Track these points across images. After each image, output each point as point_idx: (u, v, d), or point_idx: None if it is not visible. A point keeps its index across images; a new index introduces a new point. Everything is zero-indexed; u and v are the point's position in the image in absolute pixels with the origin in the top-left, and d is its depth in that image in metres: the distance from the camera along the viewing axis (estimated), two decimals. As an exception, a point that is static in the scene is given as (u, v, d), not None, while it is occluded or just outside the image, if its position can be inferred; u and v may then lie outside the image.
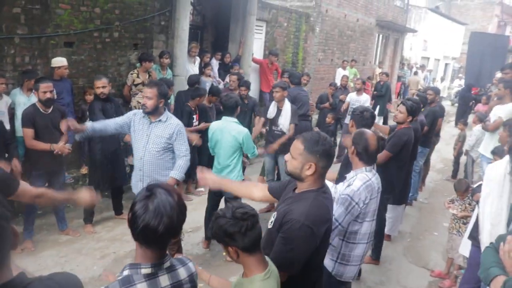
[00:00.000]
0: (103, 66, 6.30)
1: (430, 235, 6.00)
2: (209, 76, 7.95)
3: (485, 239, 3.00)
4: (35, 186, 4.59)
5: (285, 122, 5.83)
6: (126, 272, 1.57)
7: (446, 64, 28.15)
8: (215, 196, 4.80)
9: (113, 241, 5.02)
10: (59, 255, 4.62)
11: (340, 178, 3.60)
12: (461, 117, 11.52)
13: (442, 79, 24.74)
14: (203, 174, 2.89)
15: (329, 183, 3.02)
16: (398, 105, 5.15)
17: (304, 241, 2.10)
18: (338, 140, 9.39)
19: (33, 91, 4.62)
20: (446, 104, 14.82)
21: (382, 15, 16.58)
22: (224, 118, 4.59)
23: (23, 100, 5.14)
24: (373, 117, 4.24)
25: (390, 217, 5.25)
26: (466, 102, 13.81)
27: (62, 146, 4.54)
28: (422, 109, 6.32)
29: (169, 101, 6.56)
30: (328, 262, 2.93)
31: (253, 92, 8.66)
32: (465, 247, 3.81)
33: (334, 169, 4.02)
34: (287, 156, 2.30)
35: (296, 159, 2.23)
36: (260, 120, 5.97)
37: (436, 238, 5.89)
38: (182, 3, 7.22)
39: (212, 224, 1.92)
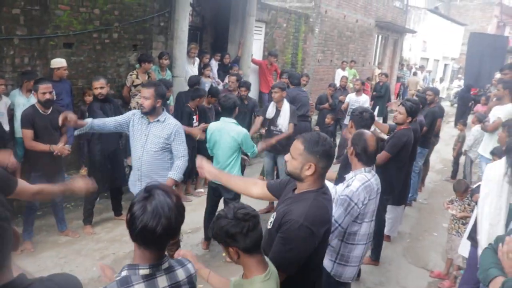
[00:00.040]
0: (103, 67, 6.30)
1: (429, 236, 6.00)
2: (208, 77, 7.95)
3: (483, 240, 3.00)
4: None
5: (284, 122, 5.83)
6: (124, 273, 1.58)
7: (446, 65, 28.18)
8: (214, 197, 4.80)
9: (113, 242, 5.02)
10: (59, 256, 4.61)
11: (339, 178, 3.59)
12: (461, 118, 11.53)
13: (441, 80, 24.76)
14: (201, 163, 2.84)
15: (329, 184, 3.03)
16: (398, 106, 5.15)
17: (303, 241, 2.10)
18: (337, 141, 9.39)
19: (32, 92, 4.62)
20: (445, 104, 14.82)
21: (382, 16, 16.60)
22: (223, 119, 4.59)
23: (23, 101, 5.15)
24: (372, 117, 4.24)
25: (389, 218, 5.25)
26: (466, 103, 13.83)
27: (61, 147, 4.54)
28: (422, 110, 6.32)
29: (168, 102, 6.57)
30: (327, 263, 2.93)
31: (253, 93, 8.66)
32: (464, 248, 3.81)
33: (334, 169, 4.03)
34: (287, 157, 2.31)
35: (296, 159, 2.23)
36: (258, 119, 5.99)
37: (436, 238, 5.89)
38: (182, 4, 7.22)
39: (213, 225, 1.91)
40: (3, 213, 1.22)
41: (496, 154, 4.78)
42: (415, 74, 18.82)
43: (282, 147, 5.71)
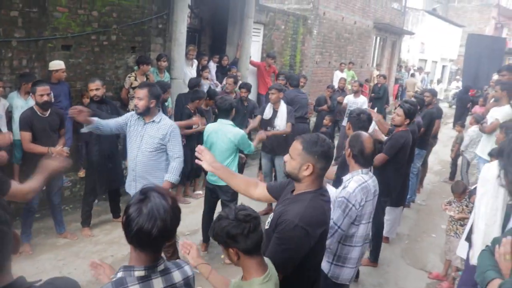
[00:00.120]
0: (101, 69, 6.30)
1: (428, 237, 6.00)
2: (207, 79, 7.96)
3: (478, 240, 3.02)
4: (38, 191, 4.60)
5: (281, 123, 5.85)
6: (119, 274, 1.59)
7: (444, 66, 28.24)
8: (211, 198, 4.81)
9: (111, 244, 5.02)
10: (57, 259, 4.61)
11: (337, 180, 3.60)
12: (459, 119, 11.55)
13: (439, 81, 24.80)
14: (203, 152, 2.70)
15: (332, 188, 3.03)
16: (395, 108, 5.17)
17: (298, 242, 2.10)
18: (335, 142, 9.39)
19: (30, 94, 4.62)
20: (443, 106, 14.87)
21: (380, 17, 16.63)
22: (220, 120, 4.60)
23: (21, 103, 5.14)
24: (370, 119, 4.26)
25: (388, 219, 5.26)
26: (464, 104, 13.84)
27: (60, 149, 4.54)
28: (420, 111, 6.34)
29: (166, 104, 6.57)
30: (323, 264, 2.93)
31: (251, 95, 8.66)
32: (462, 249, 3.81)
33: (333, 170, 4.04)
34: (286, 157, 2.32)
35: (294, 159, 2.25)
36: (257, 117, 6.02)
37: (434, 240, 5.90)
38: (180, 6, 7.23)
39: (214, 225, 1.92)
40: (3, 216, 1.22)
41: (494, 155, 4.77)
42: (412, 75, 18.86)
43: (280, 148, 5.72)
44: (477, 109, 11.07)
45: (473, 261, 3.01)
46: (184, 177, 6.35)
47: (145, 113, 3.90)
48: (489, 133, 5.90)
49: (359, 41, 15.53)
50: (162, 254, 1.70)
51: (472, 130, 7.59)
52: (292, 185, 2.38)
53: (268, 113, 5.97)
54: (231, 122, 4.58)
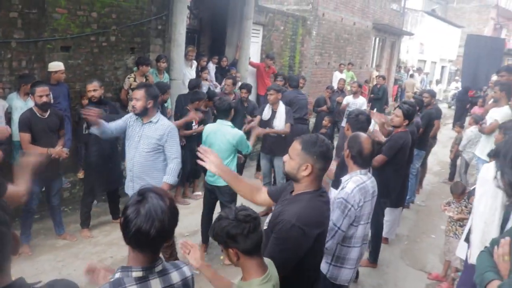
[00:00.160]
0: (100, 70, 6.30)
1: (427, 238, 6.01)
2: (206, 80, 7.96)
3: (476, 239, 3.03)
4: (33, 191, 4.60)
5: (279, 124, 5.86)
6: (117, 275, 1.60)
7: (443, 67, 28.26)
8: (210, 199, 4.81)
9: (111, 246, 5.01)
10: (56, 260, 4.61)
11: (336, 180, 3.61)
12: (459, 120, 11.56)
13: (438, 82, 24.83)
14: (210, 154, 2.64)
15: (334, 191, 3.04)
16: (394, 108, 5.17)
17: (295, 241, 2.11)
18: (335, 143, 9.40)
19: (30, 95, 4.62)
20: (443, 106, 14.88)
21: (379, 18, 16.64)
22: (219, 121, 4.61)
23: (20, 104, 5.14)
24: (368, 120, 4.27)
25: (387, 220, 5.26)
26: (464, 105, 13.87)
27: (59, 150, 4.55)
28: (419, 112, 6.34)
29: (166, 105, 6.57)
30: (322, 265, 2.93)
31: (250, 96, 8.67)
32: (462, 250, 3.81)
33: (334, 168, 4.04)
34: (285, 157, 2.34)
35: (293, 159, 2.27)
36: (257, 118, 6.03)
37: (434, 240, 5.90)
38: (179, 7, 7.23)
39: (214, 225, 1.93)
40: (2, 217, 1.22)
41: (493, 156, 4.79)
42: (411, 76, 18.88)
43: (279, 148, 5.72)
44: (476, 109, 11.07)
45: (471, 260, 3.03)
46: (184, 178, 6.36)
47: (143, 114, 3.91)
48: (488, 133, 5.91)
49: (358, 42, 15.54)
50: (161, 255, 1.71)
51: (470, 131, 7.60)
52: (292, 186, 2.40)
53: (266, 114, 5.98)
54: (230, 123, 4.59)
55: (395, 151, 4.64)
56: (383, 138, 5.00)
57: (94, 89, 5.01)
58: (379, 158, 4.54)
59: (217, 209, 4.66)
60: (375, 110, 8.84)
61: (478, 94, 14.77)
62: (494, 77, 9.56)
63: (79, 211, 5.36)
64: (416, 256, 5.43)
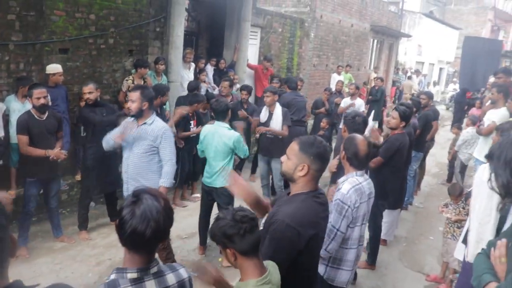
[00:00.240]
0: (98, 73, 6.30)
1: (425, 240, 6.01)
2: (204, 82, 7.96)
3: (471, 238, 3.05)
4: (31, 193, 4.60)
5: (276, 125, 5.88)
6: (112, 276, 1.60)
7: (441, 69, 28.32)
8: (207, 200, 4.81)
9: (109, 248, 5.00)
10: (54, 262, 4.60)
11: (333, 181, 3.62)
12: (458, 122, 11.58)
13: (435, 84, 24.88)
14: (237, 180, 2.51)
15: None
16: (392, 110, 5.18)
17: (289, 241, 2.13)
18: (333, 144, 9.40)
19: (27, 97, 4.62)
20: (441, 108, 14.90)
21: (377, 20, 16.67)
22: (217, 123, 4.62)
23: (18, 106, 5.14)
24: (365, 122, 4.28)
25: (385, 222, 5.26)
26: (462, 107, 13.90)
27: (57, 152, 4.54)
28: (416, 114, 6.35)
29: (164, 107, 6.57)
30: (319, 267, 2.94)
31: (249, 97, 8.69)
32: (460, 251, 3.82)
33: (335, 162, 4.04)
34: (283, 157, 2.36)
35: (290, 159, 2.29)
36: (255, 120, 6.04)
37: (432, 242, 5.90)
38: (177, 10, 7.24)
39: (212, 226, 1.95)
40: (0, 220, 1.22)
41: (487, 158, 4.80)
42: (409, 77, 18.92)
43: (276, 150, 5.73)
44: (474, 111, 11.09)
45: (468, 258, 3.05)
46: (182, 180, 6.36)
47: (138, 115, 3.94)
48: (486, 135, 5.93)
49: (356, 43, 15.57)
50: (157, 256, 1.71)
51: (466, 131, 7.63)
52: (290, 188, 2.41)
53: (263, 115, 6.00)
54: (227, 125, 4.60)
55: (392, 153, 4.65)
56: (380, 140, 5.01)
57: (90, 91, 5.01)
58: (376, 160, 4.55)
59: (215, 210, 4.67)
60: (373, 111, 8.89)
61: (476, 95, 14.81)
62: (492, 79, 9.57)
63: (76, 213, 5.35)
64: (414, 258, 5.43)
